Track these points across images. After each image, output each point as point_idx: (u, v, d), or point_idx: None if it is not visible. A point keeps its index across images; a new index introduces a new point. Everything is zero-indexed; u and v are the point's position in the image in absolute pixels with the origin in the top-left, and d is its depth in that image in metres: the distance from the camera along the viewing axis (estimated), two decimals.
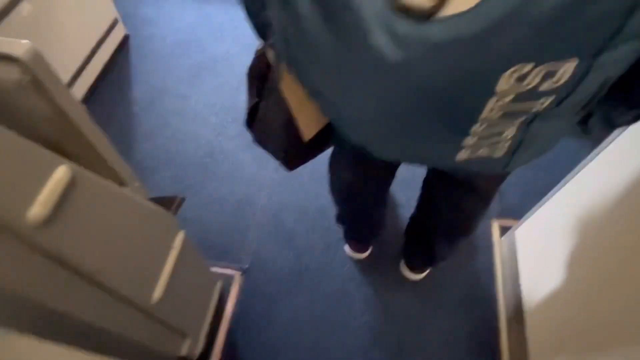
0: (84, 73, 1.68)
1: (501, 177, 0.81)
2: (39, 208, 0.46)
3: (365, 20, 0.35)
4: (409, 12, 0.33)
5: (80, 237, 0.55)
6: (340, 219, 1.16)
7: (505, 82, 0.35)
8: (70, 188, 0.51)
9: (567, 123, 0.47)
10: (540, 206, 1.16)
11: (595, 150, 0.96)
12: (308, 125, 0.76)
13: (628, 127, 0.53)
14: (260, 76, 0.73)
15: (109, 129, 1.64)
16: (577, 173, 1.02)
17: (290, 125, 0.73)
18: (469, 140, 0.45)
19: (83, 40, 1.68)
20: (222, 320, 1.21)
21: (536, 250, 1.16)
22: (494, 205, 1.42)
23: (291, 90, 0.67)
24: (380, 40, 0.35)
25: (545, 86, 0.36)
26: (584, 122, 0.52)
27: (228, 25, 1.97)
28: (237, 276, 1.29)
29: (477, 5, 0.31)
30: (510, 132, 0.44)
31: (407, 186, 1.45)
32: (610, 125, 0.51)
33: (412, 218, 1.16)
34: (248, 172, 1.51)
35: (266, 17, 0.50)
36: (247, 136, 1.68)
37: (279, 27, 0.47)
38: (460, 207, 0.93)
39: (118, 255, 0.66)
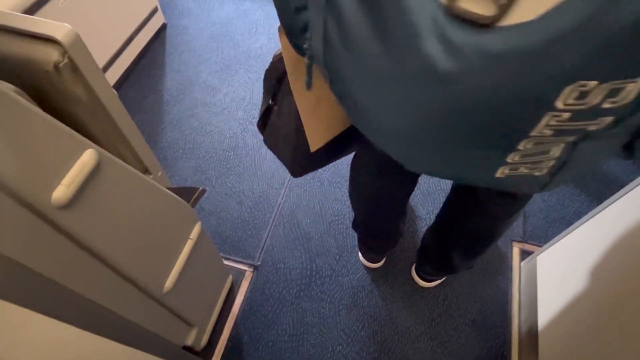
0: (121, 57, 1.73)
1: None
2: (63, 189, 0.47)
3: (418, 26, 0.33)
4: (466, 20, 0.31)
5: (100, 221, 0.56)
6: (357, 225, 1.15)
7: (565, 99, 0.33)
8: (95, 172, 0.51)
9: (615, 145, 0.44)
10: (566, 234, 1.12)
11: (629, 185, 0.92)
12: (316, 136, 0.76)
13: None
14: (277, 79, 0.73)
15: (139, 114, 1.68)
16: (607, 206, 0.97)
17: (300, 132, 0.73)
18: (513, 157, 0.43)
19: (123, 25, 1.72)
20: (229, 315, 1.21)
21: (557, 279, 1.12)
22: (517, 228, 1.38)
23: (303, 99, 0.68)
24: (432, 48, 0.33)
25: (606, 105, 0.34)
26: (629, 144, 0.48)
27: (264, 22, 1.98)
28: (248, 272, 1.29)
29: (545, 15, 0.29)
30: (556, 151, 0.42)
31: (428, 199, 1.43)
32: None
33: (432, 226, 1.11)
34: (269, 170, 1.51)
35: (303, 18, 0.50)
36: None
37: (318, 28, 0.46)
38: (487, 210, 0.87)
39: (135, 241, 0.66)
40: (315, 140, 0.76)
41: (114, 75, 1.72)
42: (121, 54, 1.72)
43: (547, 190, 0.52)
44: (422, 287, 1.26)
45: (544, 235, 1.36)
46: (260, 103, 1.69)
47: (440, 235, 1.08)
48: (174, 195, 0.76)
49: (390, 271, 1.30)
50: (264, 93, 0.79)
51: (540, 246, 1.31)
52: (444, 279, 1.26)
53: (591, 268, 0.97)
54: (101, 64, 1.63)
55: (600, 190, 1.44)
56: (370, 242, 1.21)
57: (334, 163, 1.51)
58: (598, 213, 1.00)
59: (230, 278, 1.24)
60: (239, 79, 1.77)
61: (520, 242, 1.36)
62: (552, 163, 0.44)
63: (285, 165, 0.89)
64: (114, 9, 1.62)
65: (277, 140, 0.85)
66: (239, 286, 1.26)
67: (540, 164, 0.44)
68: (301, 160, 0.84)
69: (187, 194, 0.84)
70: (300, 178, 1.48)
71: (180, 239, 0.83)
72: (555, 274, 1.14)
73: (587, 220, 1.04)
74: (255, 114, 1.66)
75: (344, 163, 1.52)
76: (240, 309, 1.23)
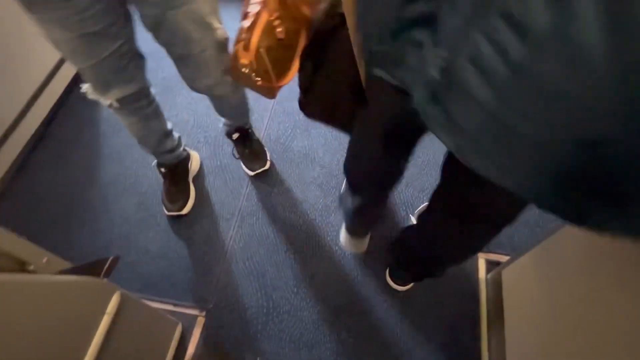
0: (50, 86, 1.59)
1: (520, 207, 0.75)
2: None
3: None
4: None
5: None
6: (350, 194, 1.06)
7: None
8: None
9: None
10: (532, 246, 1.05)
11: None
12: None
13: None
14: (325, 36, 0.74)
15: (74, 149, 1.56)
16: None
17: (357, 79, 0.72)
18: None
19: (50, 50, 1.58)
20: None
21: (523, 294, 1.06)
22: None
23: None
24: None
25: None
26: None
27: None
28: (200, 318, 1.20)
29: None
30: None
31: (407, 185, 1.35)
32: None
33: (406, 243, 1.08)
34: (218, 200, 1.42)
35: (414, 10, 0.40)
36: (220, 159, 1.59)
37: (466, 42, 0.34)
38: (470, 243, 0.88)
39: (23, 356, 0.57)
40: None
41: (43, 108, 1.58)
42: (49, 82, 1.59)
43: None
44: (398, 291, 1.23)
45: (509, 242, 1.31)
46: (204, 125, 1.59)
47: (414, 256, 1.05)
48: (72, 277, 0.67)
49: (352, 300, 1.22)
50: (304, 63, 0.80)
51: (507, 255, 1.26)
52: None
53: (558, 283, 0.92)
54: (27, 96, 1.50)
55: None
56: (363, 201, 1.09)
57: (284, 185, 1.43)
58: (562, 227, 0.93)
59: (179, 327, 1.15)
60: (182, 101, 1.66)
61: (485, 252, 1.30)
62: None
63: (343, 127, 0.89)
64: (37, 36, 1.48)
65: (328, 103, 0.83)
66: (191, 335, 1.17)
67: None
68: (355, 109, 0.82)
69: (96, 267, 0.75)
70: (251, 205, 1.39)
71: (91, 319, 0.73)
72: (521, 289, 1.08)
73: (557, 231, 0.96)
74: (200, 137, 1.56)
75: (297, 184, 1.43)
76: (193, 359, 1.14)
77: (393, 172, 0.94)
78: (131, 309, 0.86)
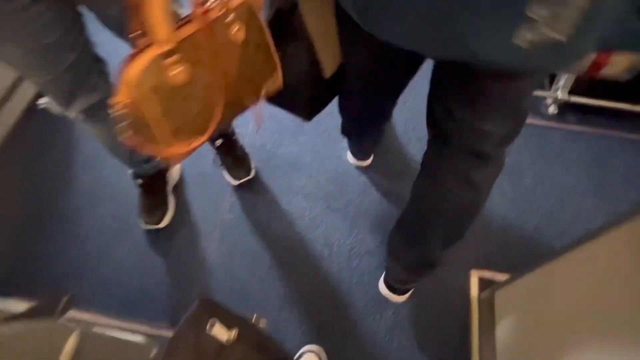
0: (21, 87, 1.49)
1: (509, 138, 0.75)
2: None
3: None
4: None
5: None
6: (348, 111, 1.11)
7: None
8: None
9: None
10: (530, 269, 0.98)
11: (617, 219, 0.75)
12: (329, 60, 0.83)
13: None
14: (281, 21, 0.77)
15: (45, 155, 1.47)
16: (586, 241, 0.81)
17: (313, 66, 0.81)
18: (533, 6, 0.41)
19: None
20: None
21: (517, 319, 1.00)
22: (474, 253, 1.25)
23: (314, 22, 0.75)
24: None
25: None
26: None
27: None
28: None
29: None
30: None
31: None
32: None
33: (400, 224, 1.02)
34: (199, 209, 1.34)
35: None
36: (199, 167, 1.52)
37: None
38: (469, 179, 0.80)
39: None
40: (329, 64, 0.84)
41: (13, 110, 1.49)
42: (20, 83, 1.49)
43: (570, 63, 0.56)
44: (395, 302, 1.17)
45: (505, 258, 1.25)
46: None
47: (411, 229, 0.97)
48: (18, 323, 0.60)
49: (339, 318, 1.17)
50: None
51: (501, 272, 1.20)
52: (413, 289, 1.16)
53: (555, 310, 0.86)
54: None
55: (558, 202, 1.33)
56: (358, 132, 1.23)
57: (269, 196, 1.36)
58: (573, 250, 0.85)
59: (154, 352, 1.08)
60: None
61: (479, 269, 1.24)
62: (574, 14, 0.42)
63: (299, 111, 0.94)
64: None
65: (287, 88, 0.84)
66: None
67: (562, 15, 0.42)
68: (317, 95, 0.91)
69: (46, 307, 0.68)
70: (233, 218, 1.32)
71: None
72: (515, 313, 1.02)
73: (560, 256, 0.89)
74: None
75: (283, 195, 1.36)
76: None
77: (378, 114, 1.09)
78: (93, 346, 0.79)
